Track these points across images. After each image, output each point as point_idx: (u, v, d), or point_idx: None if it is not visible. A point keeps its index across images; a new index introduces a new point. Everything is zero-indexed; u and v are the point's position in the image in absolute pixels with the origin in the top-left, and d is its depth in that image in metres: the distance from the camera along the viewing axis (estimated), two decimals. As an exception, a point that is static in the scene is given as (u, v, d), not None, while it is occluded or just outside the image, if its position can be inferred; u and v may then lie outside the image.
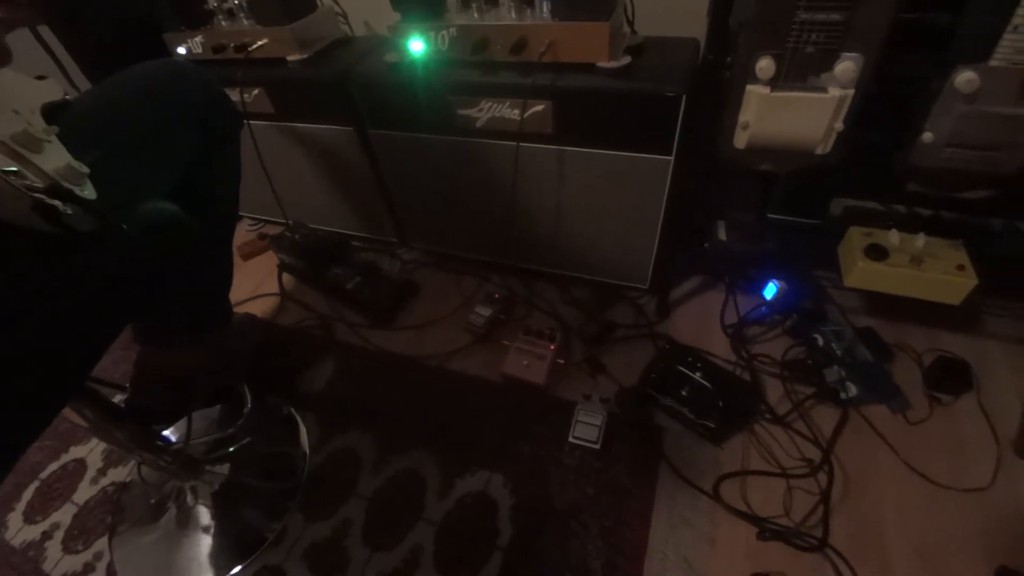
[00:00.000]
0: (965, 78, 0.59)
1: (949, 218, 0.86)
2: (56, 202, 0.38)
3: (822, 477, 0.79)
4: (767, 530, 0.74)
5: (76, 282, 0.43)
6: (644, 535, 0.76)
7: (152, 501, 0.89)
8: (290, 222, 1.22)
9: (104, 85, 0.59)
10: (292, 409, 0.99)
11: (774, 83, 0.64)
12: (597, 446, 0.85)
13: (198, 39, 1.05)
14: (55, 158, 0.41)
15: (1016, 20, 0.56)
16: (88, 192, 0.41)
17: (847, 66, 0.59)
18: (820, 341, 0.92)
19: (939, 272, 0.80)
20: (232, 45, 1.01)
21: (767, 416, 0.87)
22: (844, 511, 0.76)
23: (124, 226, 0.41)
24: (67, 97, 0.57)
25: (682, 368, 0.90)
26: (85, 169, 0.41)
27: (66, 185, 0.39)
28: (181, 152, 0.60)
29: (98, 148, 0.44)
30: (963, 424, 0.84)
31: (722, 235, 0.96)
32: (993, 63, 0.59)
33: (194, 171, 0.62)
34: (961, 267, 0.80)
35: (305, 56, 1.00)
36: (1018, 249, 0.88)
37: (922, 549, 0.71)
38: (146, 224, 0.42)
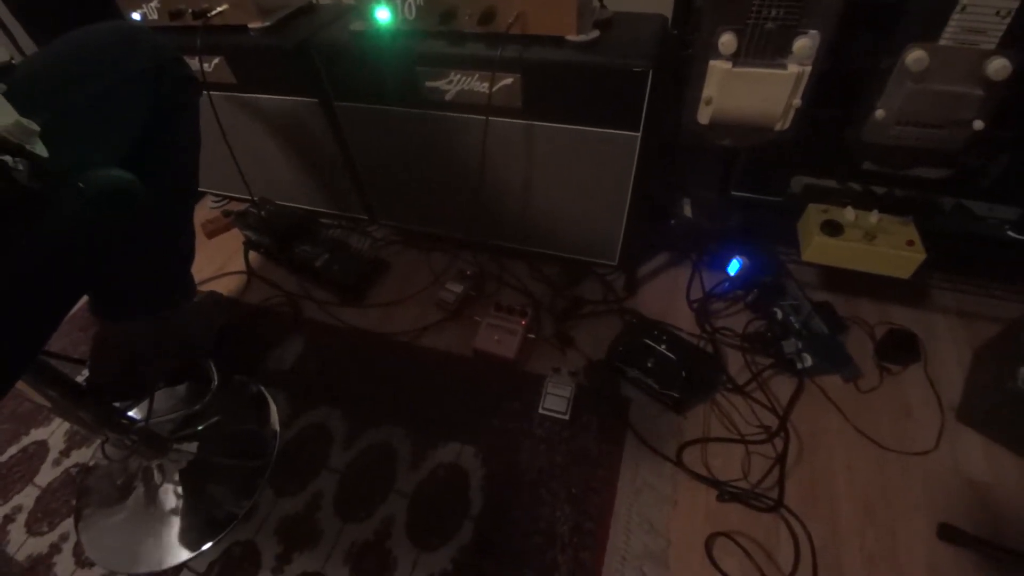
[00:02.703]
0: (915, 56, 0.61)
1: (901, 196, 0.89)
2: (6, 157, 0.36)
3: (778, 442, 0.83)
4: (726, 492, 0.78)
5: (25, 245, 0.41)
6: (610, 500, 0.79)
7: (119, 482, 0.88)
8: (255, 198, 1.18)
9: (49, 48, 0.56)
10: (261, 387, 0.98)
11: (735, 59, 0.65)
12: (566, 417, 0.87)
13: (153, 4, 1.00)
14: (2, 116, 0.39)
15: (965, 0, 0.59)
16: (40, 149, 0.39)
17: (805, 43, 0.61)
18: (779, 315, 0.95)
19: (890, 247, 0.83)
20: (190, 11, 0.97)
21: (728, 386, 0.90)
22: (798, 474, 0.80)
23: (80, 184, 0.40)
24: (12, 61, 0.55)
25: (648, 341, 0.92)
26: (35, 127, 0.39)
27: (15, 140, 0.37)
28: (132, 118, 0.58)
29: (43, 112, 0.42)
30: (910, 392, 0.89)
31: (687, 212, 0.98)
32: (942, 42, 0.61)
33: (150, 138, 0.60)
34: (911, 242, 0.83)
35: (267, 24, 0.97)
36: (965, 226, 0.92)
37: (870, 509, 0.76)
38: (97, 190, 0.41)
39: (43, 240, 0.43)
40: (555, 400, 0.88)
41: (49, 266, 0.46)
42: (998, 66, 0.60)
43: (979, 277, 1.00)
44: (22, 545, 0.82)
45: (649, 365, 0.89)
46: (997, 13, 0.58)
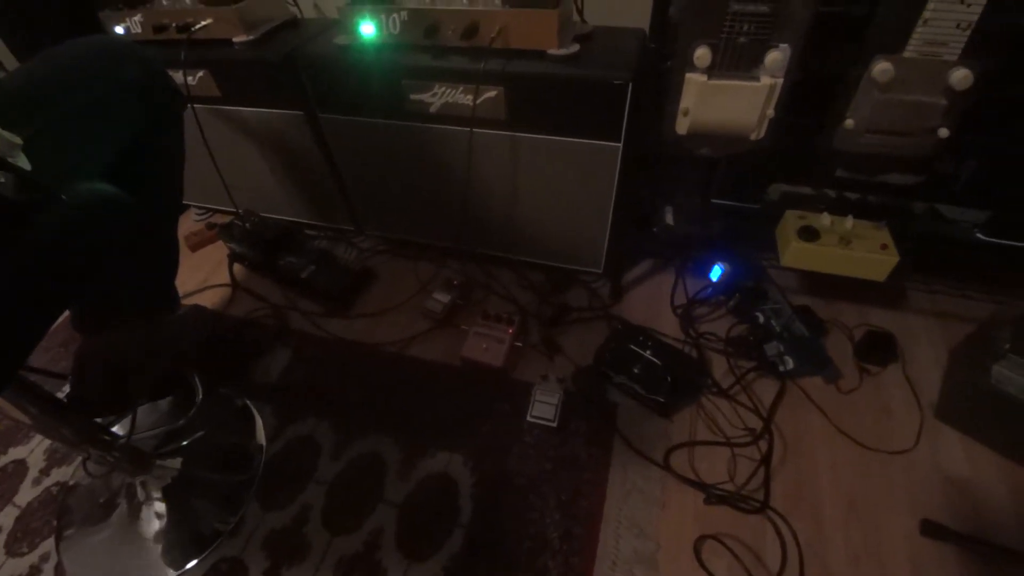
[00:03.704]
0: (881, 68, 0.64)
1: (874, 201, 0.92)
2: None
3: (763, 444, 0.84)
4: (713, 495, 0.79)
5: (10, 257, 0.41)
6: (599, 505, 0.79)
7: (101, 500, 0.86)
8: (240, 211, 1.18)
9: (34, 62, 0.56)
10: (247, 400, 0.97)
11: (711, 71, 0.67)
12: (554, 424, 0.87)
13: (137, 18, 1.00)
14: None
15: (926, 14, 0.61)
16: (22, 162, 0.39)
17: (776, 56, 0.63)
18: (761, 319, 0.97)
19: (865, 251, 0.86)
20: (174, 25, 0.98)
21: (713, 390, 0.92)
22: (783, 475, 0.81)
23: (63, 197, 0.40)
24: (-6, 76, 0.54)
25: (634, 347, 0.93)
26: (18, 140, 0.39)
27: None
28: (117, 131, 0.58)
29: (27, 125, 0.43)
30: (889, 392, 0.91)
31: (669, 220, 1.00)
32: (906, 54, 0.64)
33: (134, 151, 0.60)
34: (884, 246, 0.86)
35: (251, 37, 0.97)
36: (936, 229, 0.95)
37: (854, 506, 0.77)
38: (82, 203, 0.41)
39: (28, 252, 0.43)
40: (543, 407, 0.89)
41: (34, 278, 0.46)
42: (960, 76, 0.63)
43: (952, 279, 1.03)
44: (1, 567, 0.80)
45: (635, 370, 0.90)
46: (958, 26, 0.61)
